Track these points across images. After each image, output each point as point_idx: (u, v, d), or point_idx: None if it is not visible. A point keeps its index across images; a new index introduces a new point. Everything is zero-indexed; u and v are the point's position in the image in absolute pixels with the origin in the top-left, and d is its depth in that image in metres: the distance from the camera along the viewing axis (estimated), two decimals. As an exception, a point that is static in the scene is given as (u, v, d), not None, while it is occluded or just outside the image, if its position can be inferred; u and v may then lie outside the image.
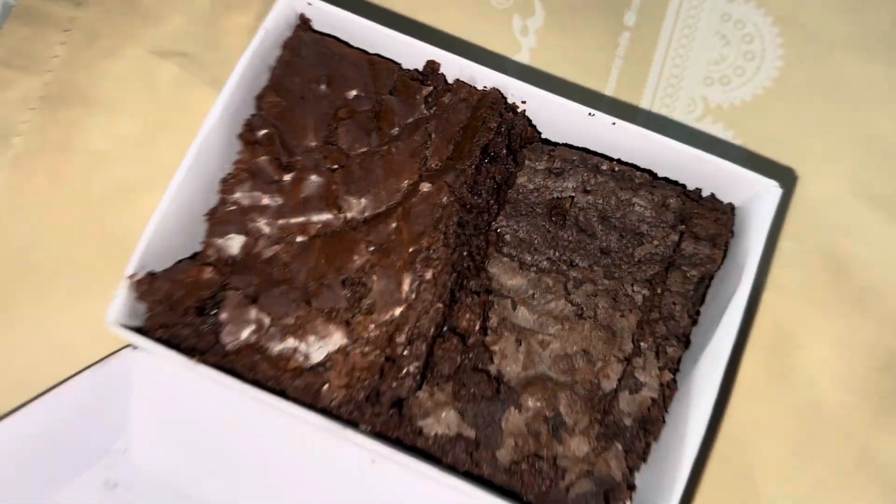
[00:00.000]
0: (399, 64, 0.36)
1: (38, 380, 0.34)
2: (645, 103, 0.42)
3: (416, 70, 0.35)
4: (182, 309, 0.31)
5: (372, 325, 0.31)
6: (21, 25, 0.42)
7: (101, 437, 0.35)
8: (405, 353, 0.30)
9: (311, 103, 0.34)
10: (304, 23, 0.36)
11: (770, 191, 0.33)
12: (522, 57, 0.43)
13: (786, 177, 0.41)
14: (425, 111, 0.34)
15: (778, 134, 0.41)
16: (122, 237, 0.38)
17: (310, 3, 0.35)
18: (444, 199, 0.32)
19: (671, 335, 0.33)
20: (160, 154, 0.41)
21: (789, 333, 0.38)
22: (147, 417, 0.35)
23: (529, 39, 0.43)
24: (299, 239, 0.33)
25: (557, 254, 0.34)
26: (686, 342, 0.33)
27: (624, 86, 0.42)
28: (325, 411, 0.30)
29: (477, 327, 0.32)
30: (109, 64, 0.42)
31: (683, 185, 0.36)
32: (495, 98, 0.34)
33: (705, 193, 0.36)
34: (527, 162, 0.35)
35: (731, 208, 0.35)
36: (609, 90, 0.42)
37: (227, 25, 0.43)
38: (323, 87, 0.35)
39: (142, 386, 0.34)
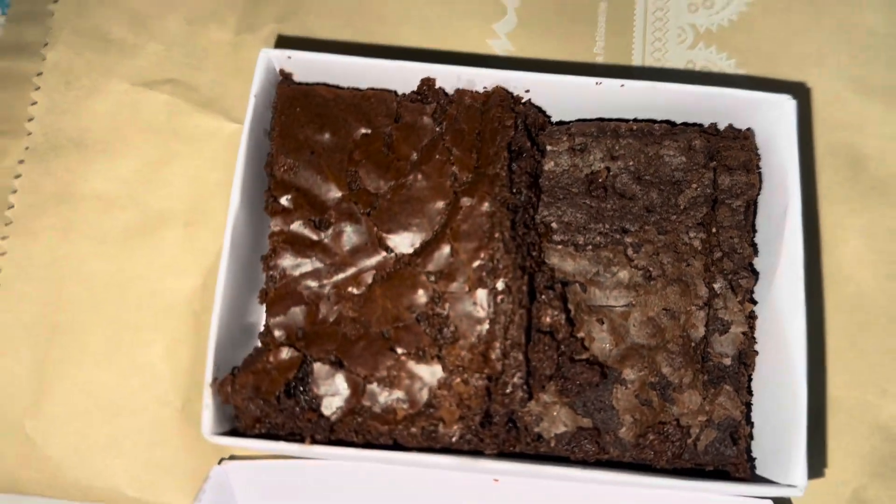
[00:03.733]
0: (394, 91, 0.35)
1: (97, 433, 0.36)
2: (637, 39, 0.43)
3: (414, 92, 0.35)
4: (273, 397, 0.30)
5: (463, 352, 0.31)
6: None
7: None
8: (504, 367, 0.30)
9: (323, 155, 0.34)
10: (286, 78, 0.35)
11: (785, 105, 0.33)
12: (509, 20, 0.43)
13: (786, 86, 0.41)
14: (437, 129, 0.34)
15: (770, 47, 0.42)
16: (146, 277, 0.38)
17: (289, 58, 0.34)
18: (489, 207, 0.32)
19: (739, 268, 0.34)
20: (170, 187, 0.40)
21: (822, 235, 0.39)
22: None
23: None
24: (358, 291, 0.32)
25: (607, 226, 0.34)
26: (754, 270, 0.34)
27: (613, 25, 0.43)
28: (447, 450, 0.30)
29: (563, 320, 0.32)
30: (94, 103, 0.41)
31: (701, 125, 0.36)
32: (502, 95, 0.34)
33: (722, 126, 0.36)
34: (548, 147, 0.35)
35: (750, 132, 0.35)
36: (600, 34, 0.42)
37: (206, 44, 0.42)
38: (327, 135, 0.34)
39: (246, 497, 0.33)
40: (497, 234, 0.31)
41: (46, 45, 0.41)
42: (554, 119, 0.37)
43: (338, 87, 0.35)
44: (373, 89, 0.35)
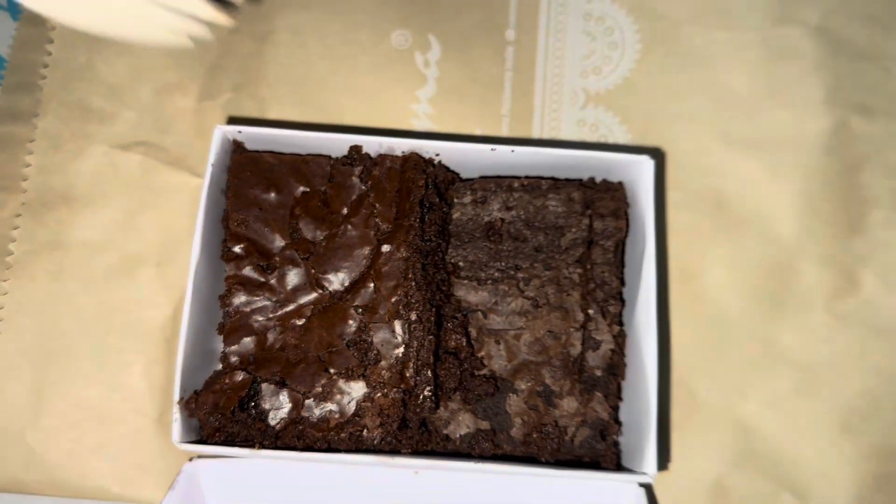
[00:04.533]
0: (329, 156, 0.43)
1: (87, 440, 0.44)
2: (538, 100, 0.50)
3: (345, 157, 0.43)
4: (229, 411, 0.38)
5: (384, 371, 0.38)
6: None
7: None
8: (417, 381, 0.38)
9: (269, 211, 0.41)
10: (237, 147, 0.43)
11: (644, 164, 0.41)
12: (430, 87, 0.50)
13: (663, 138, 0.49)
14: (363, 187, 0.41)
15: (649, 105, 0.50)
16: (126, 309, 0.46)
17: (239, 132, 0.42)
18: (404, 253, 0.40)
19: (608, 297, 0.42)
20: (144, 233, 0.47)
21: (693, 265, 0.47)
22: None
23: (433, 70, 0.50)
24: (299, 322, 0.40)
25: (503, 264, 0.42)
26: (621, 298, 0.42)
27: (518, 91, 0.50)
28: (371, 450, 0.38)
29: (464, 343, 0.40)
30: (79, 164, 0.48)
31: (580, 179, 0.44)
32: (415, 160, 0.42)
33: (599, 179, 0.44)
34: (455, 200, 0.43)
35: (621, 185, 0.43)
36: (506, 96, 0.50)
37: (172, 111, 0.49)
38: (273, 194, 0.41)
39: (212, 488, 0.40)
40: (410, 275, 0.39)
41: (37, 116, 0.48)
42: (463, 175, 0.44)
43: (281, 154, 0.43)
44: (311, 155, 0.43)
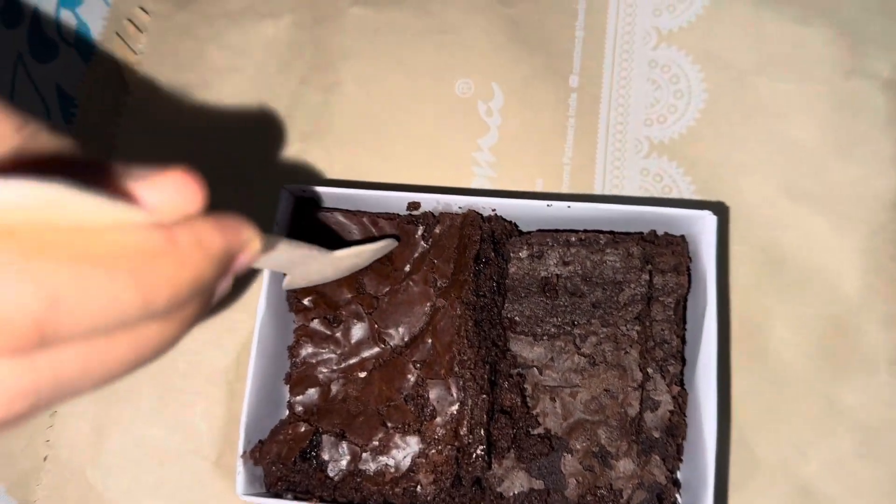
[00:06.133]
0: (396, 214, 0.43)
1: (146, 479, 0.45)
2: (600, 149, 0.50)
3: (409, 214, 0.43)
4: (291, 462, 0.39)
5: (439, 428, 0.39)
6: None
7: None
8: (470, 440, 0.38)
9: None
10: (307, 203, 0.44)
11: (706, 219, 0.41)
12: (492, 136, 0.51)
13: (726, 190, 0.48)
14: (425, 245, 0.42)
15: (714, 156, 0.49)
16: (190, 350, 0.47)
17: (304, 191, 0.43)
18: (458, 310, 0.40)
19: (668, 356, 0.41)
20: None
21: (754, 320, 0.46)
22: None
23: (495, 118, 0.51)
24: (361, 375, 0.41)
25: (559, 319, 0.42)
26: (682, 358, 0.42)
27: (580, 139, 0.50)
28: (425, 505, 0.38)
29: (518, 402, 0.40)
30: None
31: (641, 233, 0.44)
32: (472, 217, 0.42)
33: (660, 232, 0.44)
34: (511, 254, 0.43)
35: (683, 239, 0.43)
36: (569, 144, 0.50)
37: (245, 160, 0.51)
38: None
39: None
40: (462, 332, 0.40)
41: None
42: (522, 227, 0.45)
43: (351, 213, 0.43)
44: (379, 214, 0.43)
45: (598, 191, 0.50)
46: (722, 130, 0.50)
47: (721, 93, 0.50)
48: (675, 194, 0.49)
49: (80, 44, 0.54)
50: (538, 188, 0.50)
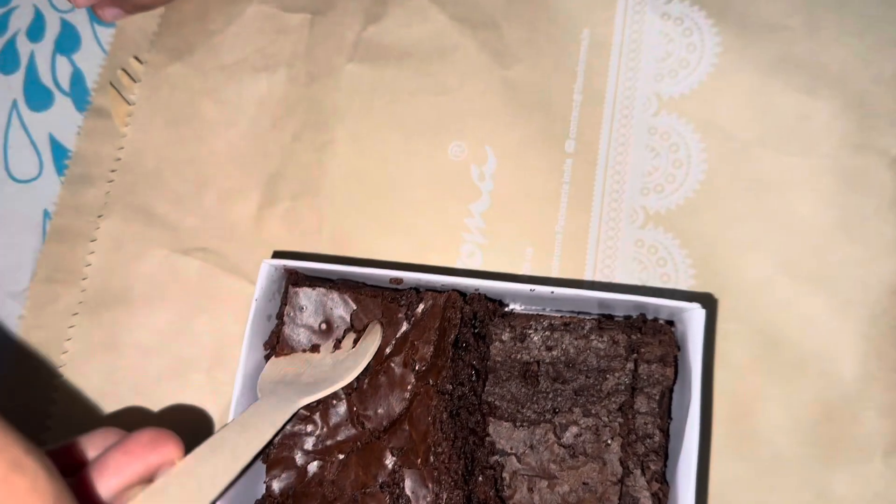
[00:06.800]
0: (381, 290, 0.43)
1: None
2: (594, 215, 0.49)
3: (393, 291, 0.43)
4: (266, 545, 0.39)
5: (412, 518, 0.38)
6: (57, 244, 0.51)
7: None
8: (444, 533, 0.38)
9: (320, 343, 0.42)
10: (292, 275, 0.43)
11: (694, 313, 0.40)
12: (483, 201, 0.50)
13: (723, 266, 0.47)
14: (406, 325, 0.42)
15: (712, 229, 0.47)
16: (174, 413, 0.47)
17: (284, 267, 0.43)
18: (433, 399, 0.40)
19: (650, 451, 0.40)
20: (197, 337, 0.49)
21: (745, 403, 0.45)
22: None
23: (487, 183, 0.50)
24: (339, 457, 0.40)
25: (540, 406, 0.41)
26: (664, 454, 0.41)
27: (574, 206, 0.49)
28: None
29: (493, 495, 0.39)
30: (138, 266, 0.50)
31: (629, 316, 0.43)
32: (454, 298, 0.41)
33: (648, 315, 0.43)
34: (494, 335, 0.42)
35: (670, 327, 0.42)
36: (562, 212, 0.49)
37: (234, 218, 0.51)
38: (323, 326, 0.42)
39: None
40: (437, 424, 0.39)
41: (102, 216, 0.51)
42: (507, 301, 0.44)
43: (336, 286, 0.43)
44: (365, 293, 0.43)
45: (589, 261, 0.49)
46: (721, 203, 0.48)
47: (722, 163, 0.49)
48: (669, 268, 0.48)
49: (75, 92, 0.54)
50: (528, 258, 0.49)
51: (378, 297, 0.43)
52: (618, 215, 0.49)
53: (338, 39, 0.53)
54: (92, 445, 0.34)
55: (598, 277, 0.48)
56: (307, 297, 0.43)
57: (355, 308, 0.42)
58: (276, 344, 0.42)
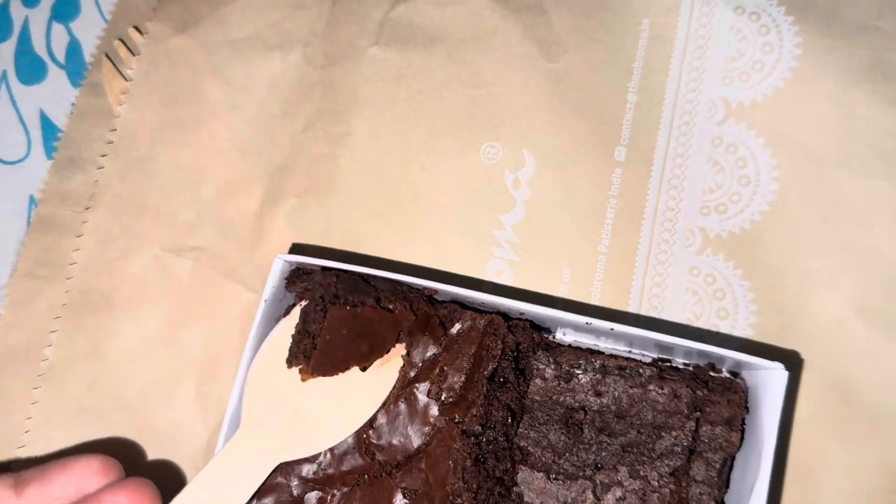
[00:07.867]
0: (416, 291, 0.37)
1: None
2: (644, 238, 0.43)
3: (430, 297, 0.37)
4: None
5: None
6: (41, 235, 0.45)
7: None
8: None
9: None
10: (303, 272, 0.37)
11: (775, 374, 0.33)
12: (517, 212, 0.44)
13: (788, 302, 0.41)
14: (436, 346, 0.35)
15: (779, 259, 0.41)
16: (159, 430, 0.42)
17: (292, 264, 0.37)
18: (458, 441, 0.33)
19: (704, 524, 0.34)
20: (186, 348, 0.43)
21: (807, 464, 0.39)
22: None
23: (523, 191, 0.44)
24: (340, 490, 0.34)
25: (581, 459, 0.35)
26: (721, 527, 0.35)
27: (621, 224, 0.43)
28: None
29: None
30: (126, 265, 0.44)
31: (696, 364, 0.37)
32: (497, 324, 0.35)
33: (716, 364, 0.36)
34: (535, 370, 0.36)
35: (741, 388, 0.36)
36: (607, 230, 0.43)
37: (233, 212, 0.45)
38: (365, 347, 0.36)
39: None
40: (459, 471, 0.33)
41: (89, 209, 0.45)
42: (551, 327, 0.38)
43: (374, 307, 0.36)
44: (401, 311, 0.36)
45: (635, 288, 0.42)
46: (792, 230, 0.42)
47: (795, 184, 0.42)
48: (728, 301, 0.42)
49: (71, 65, 0.48)
50: (565, 280, 0.43)
51: (411, 314, 0.36)
52: (671, 237, 0.43)
53: (362, 18, 0.46)
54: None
55: (645, 309, 0.42)
56: (351, 320, 0.35)
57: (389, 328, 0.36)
58: (308, 355, 0.35)
